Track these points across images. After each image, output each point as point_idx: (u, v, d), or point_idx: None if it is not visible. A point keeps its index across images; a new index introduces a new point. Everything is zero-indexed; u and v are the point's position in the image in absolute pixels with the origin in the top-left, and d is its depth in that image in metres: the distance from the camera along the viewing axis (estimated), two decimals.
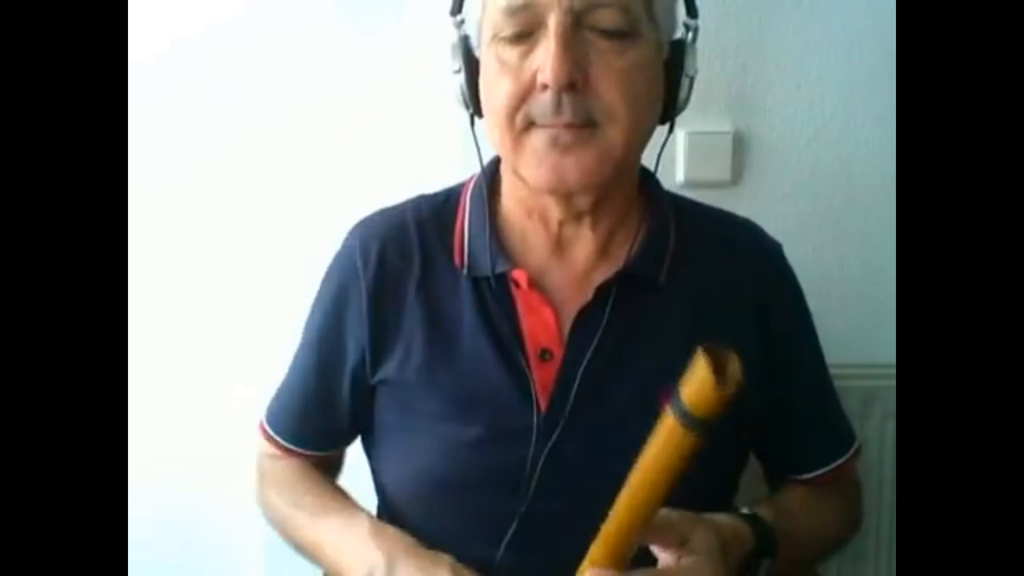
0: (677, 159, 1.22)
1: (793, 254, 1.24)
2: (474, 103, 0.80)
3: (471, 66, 0.78)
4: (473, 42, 0.79)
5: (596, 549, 0.64)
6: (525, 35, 0.72)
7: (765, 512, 0.78)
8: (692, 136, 1.20)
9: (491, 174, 0.86)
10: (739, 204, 1.23)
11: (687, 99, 0.80)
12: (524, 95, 0.73)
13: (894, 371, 1.06)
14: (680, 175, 1.22)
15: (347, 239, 0.89)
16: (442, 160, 1.17)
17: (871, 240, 1.26)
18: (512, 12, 0.72)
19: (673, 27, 0.80)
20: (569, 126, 0.72)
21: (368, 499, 0.94)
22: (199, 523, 1.24)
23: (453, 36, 0.80)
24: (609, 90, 0.72)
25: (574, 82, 0.70)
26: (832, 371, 1.23)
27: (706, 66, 1.21)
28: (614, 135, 0.73)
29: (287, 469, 0.91)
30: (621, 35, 0.72)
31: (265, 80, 1.19)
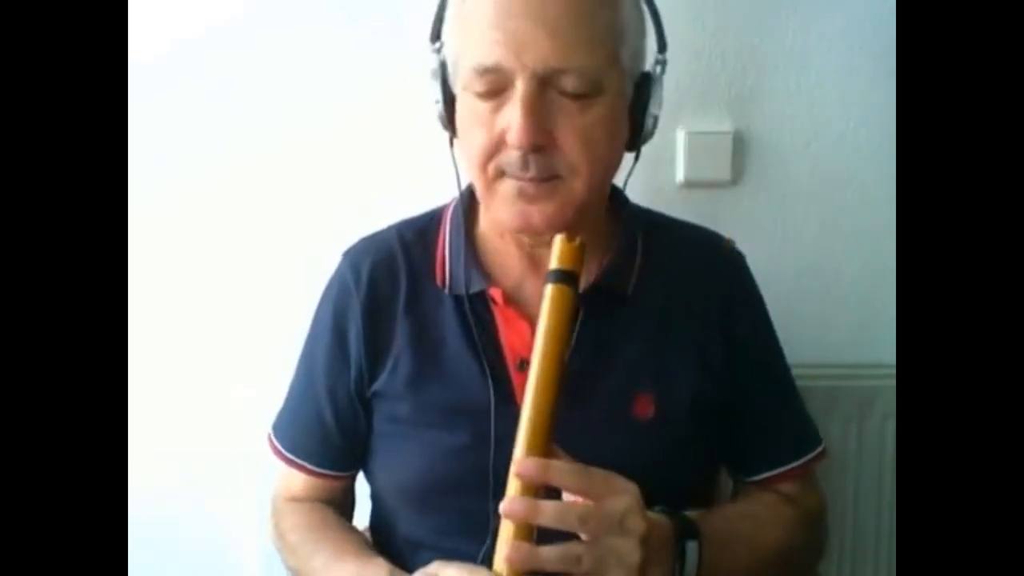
0: (677, 159, 1.22)
1: (793, 254, 1.25)
2: (452, 128, 0.84)
3: (448, 98, 0.83)
4: (450, 70, 0.83)
5: (522, 437, 0.68)
6: (495, 92, 0.76)
7: (688, 513, 0.79)
8: (692, 136, 1.20)
9: (467, 199, 0.90)
10: (739, 204, 1.23)
11: (653, 130, 0.85)
12: (495, 149, 0.78)
13: (894, 371, 1.06)
14: (680, 175, 1.22)
15: (339, 266, 0.93)
16: (439, 163, 1.17)
17: (871, 240, 1.26)
18: (481, 73, 0.76)
19: (642, 64, 0.83)
20: (534, 179, 0.77)
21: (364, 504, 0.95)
22: (198, 523, 1.24)
23: (432, 62, 0.84)
24: (572, 147, 0.76)
25: (540, 145, 0.75)
26: (832, 371, 1.24)
27: (706, 66, 1.22)
28: (577, 185, 0.78)
29: (309, 512, 0.93)
30: (584, 96, 0.76)
31: (264, 81, 1.19)
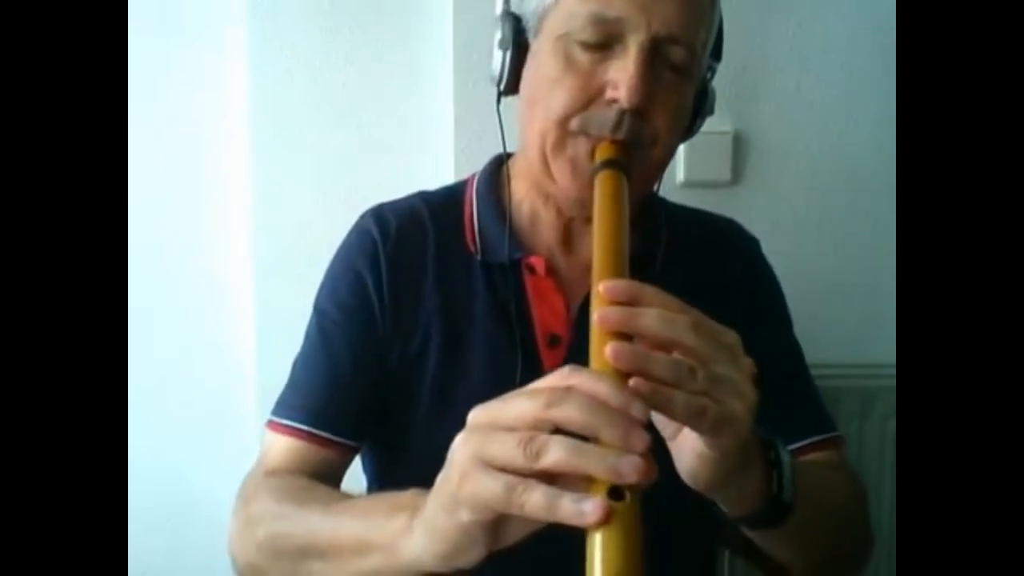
0: (677, 159, 1.22)
1: (793, 254, 1.25)
2: (509, 83, 0.80)
3: (520, 49, 0.79)
4: (525, 23, 0.79)
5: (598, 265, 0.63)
6: (601, 46, 0.73)
7: None
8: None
9: (495, 168, 0.88)
10: (739, 204, 1.23)
11: (696, 131, 0.85)
12: (588, 102, 0.74)
13: (894, 371, 1.06)
14: (680, 175, 1.22)
15: (358, 223, 0.88)
16: (440, 166, 1.17)
17: (871, 240, 1.26)
18: (596, 22, 0.72)
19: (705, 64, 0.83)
20: (616, 142, 0.74)
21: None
22: (194, 522, 1.24)
23: (497, 7, 0.80)
24: (662, 119, 0.75)
25: (644, 107, 0.73)
26: (832, 371, 1.24)
27: None
28: (655, 156, 0.77)
29: (291, 481, 0.80)
30: (682, 72, 0.75)
31: (263, 79, 1.19)
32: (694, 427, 0.55)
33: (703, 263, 0.88)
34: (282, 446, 0.83)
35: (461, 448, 0.52)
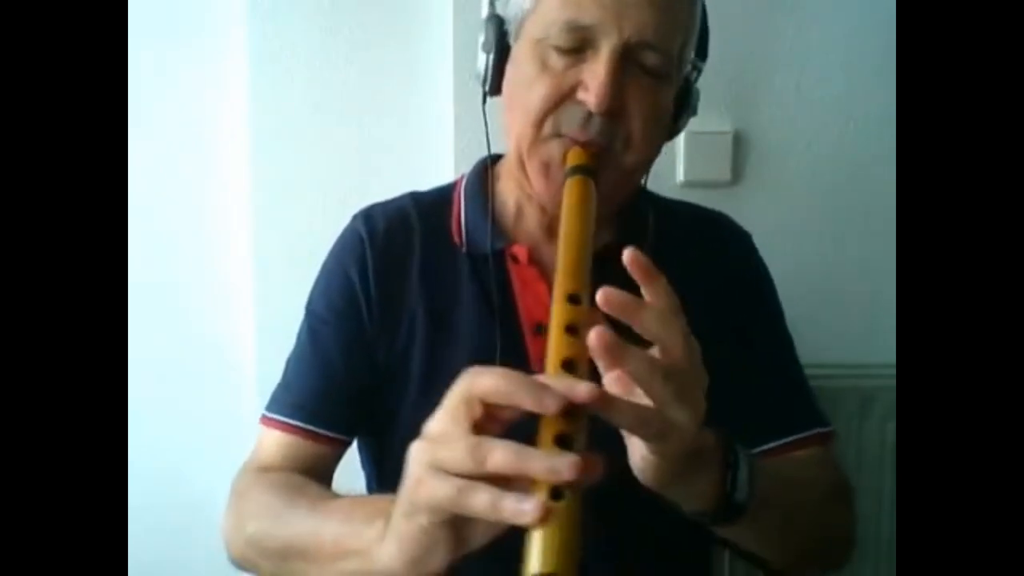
0: (677, 159, 1.22)
1: (793, 254, 1.25)
2: (493, 84, 0.82)
3: (502, 52, 0.81)
4: (507, 26, 0.81)
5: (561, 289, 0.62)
6: (575, 50, 0.75)
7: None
8: (692, 136, 1.20)
9: (483, 167, 0.90)
10: (739, 204, 1.23)
11: (678, 133, 0.88)
12: (559, 102, 0.76)
13: (894, 371, 1.06)
14: (680, 175, 1.22)
15: (349, 225, 0.90)
16: (440, 166, 1.18)
17: (871, 240, 1.26)
18: (571, 29, 0.74)
19: (688, 66, 0.83)
20: (588, 144, 0.75)
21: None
22: (194, 522, 1.24)
23: (484, 9, 0.82)
24: (636, 122, 0.76)
25: (612, 110, 0.74)
26: (832, 371, 1.24)
27: (706, 66, 1.22)
28: (628, 161, 0.78)
29: (284, 476, 0.81)
30: (658, 76, 0.76)
31: (263, 79, 1.19)
32: (638, 435, 0.57)
33: (699, 254, 0.89)
34: (275, 441, 0.85)
35: (416, 456, 0.54)
